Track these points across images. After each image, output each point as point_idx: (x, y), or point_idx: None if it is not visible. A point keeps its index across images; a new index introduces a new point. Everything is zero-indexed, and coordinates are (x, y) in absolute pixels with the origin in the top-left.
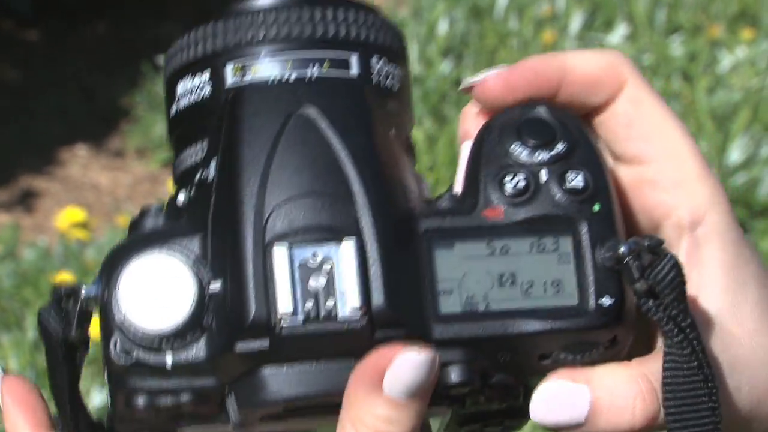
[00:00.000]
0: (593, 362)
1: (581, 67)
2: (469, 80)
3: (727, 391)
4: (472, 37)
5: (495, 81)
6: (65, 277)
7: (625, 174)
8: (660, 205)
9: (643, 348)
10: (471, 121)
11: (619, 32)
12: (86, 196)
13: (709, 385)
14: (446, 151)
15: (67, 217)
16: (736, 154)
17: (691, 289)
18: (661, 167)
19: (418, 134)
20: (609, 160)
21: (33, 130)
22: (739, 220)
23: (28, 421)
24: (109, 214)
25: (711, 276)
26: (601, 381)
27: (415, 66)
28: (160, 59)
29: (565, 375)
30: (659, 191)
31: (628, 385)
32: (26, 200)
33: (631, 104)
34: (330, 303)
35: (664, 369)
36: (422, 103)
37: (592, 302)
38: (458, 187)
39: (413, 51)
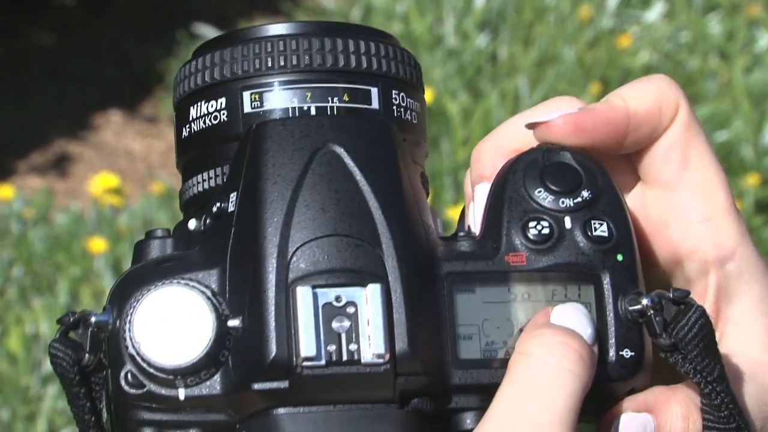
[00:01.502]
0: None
1: (643, 106)
2: (533, 117)
3: (759, 421)
4: (509, 11)
5: (565, 122)
6: (98, 242)
7: (653, 201)
8: (687, 238)
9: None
10: (487, 163)
11: (656, 9)
12: (119, 162)
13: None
14: (481, 126)
15: (101, 182)
16: None
17: (724, 324)
18: (692, 197)
19: (452, 107)
20: (638, 189)
21: (68, 95)
22: None
23: None
24: (142, 181)
25: (745, 308)
26: (662, 408)
27: (451, 39)
28: (195, 27)
29: (629, 407)
30: (687, 224)
31: (682, 409)
32: (60, 165)
33: (680, 128)
34: (353, 347)
35: (702, 413)
36: (458, 76)
37: (612, 354)
38: (473, 227)
39: (449, 24)
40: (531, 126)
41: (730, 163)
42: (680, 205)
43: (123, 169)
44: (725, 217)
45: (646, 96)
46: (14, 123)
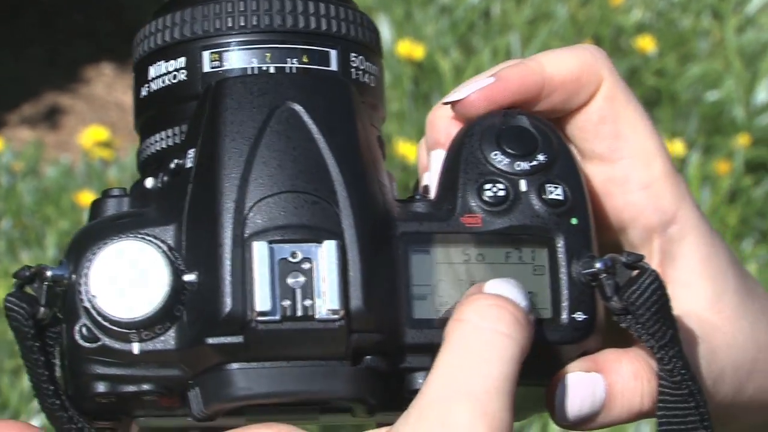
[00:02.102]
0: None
1: (561, 72)
2: (450, 96)
3: (711, 381)
4: None
5: (478, 97)
6: (87, 196)
7: (594, 173)
8: (628, 206)
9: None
10: (441, 129)
11: None
12: (110, 115)
13: (696, 398)
14: None
15: (91, 135)
16: (763, 94)
17: (671, 286)
18: (630, 167)
19: (444, 64)
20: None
21: (59, 47)
22: (765, 160)
23: None
24: (132, 134)
25: (689, 270)
26: (611, 366)
27: None
28: None
29: (577, 367)
30: (627, 193)
31: (634, 368)
32: (50, 117)
33: (605, 102)
34: (308, 303)
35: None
36: (450, 32)
37: (565, 316)
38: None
39: None
40: (449, 104)
41: (721, 122)
42: (619, 176)
43: (114, 123)
44: (664, 182)
45: (565, 64)
46: (5, 75)
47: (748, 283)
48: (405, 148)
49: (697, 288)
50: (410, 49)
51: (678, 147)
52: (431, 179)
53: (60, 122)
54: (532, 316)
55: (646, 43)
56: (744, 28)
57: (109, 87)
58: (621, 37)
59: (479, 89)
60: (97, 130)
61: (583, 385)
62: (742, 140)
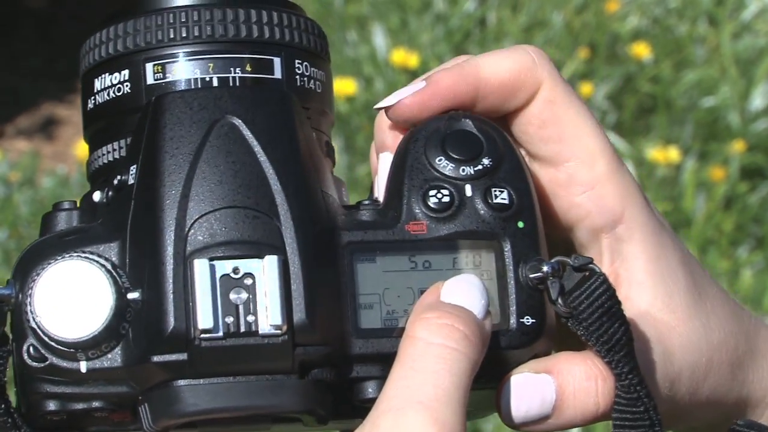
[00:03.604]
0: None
1: (496, 75)
2: (383, 102)
3: (668, 382)
4: None
5: (410, 102)
6: None
7: (540, 174)
8: (574, 207)
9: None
10: (388, 132)
11: None
12: None
13: (645, 402)
14: None
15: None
16: (759, 100)
17: (624, 286)
18: (573, 169)
19: None
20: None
21: (55, 59)
22: (760, 166)
23: None
24: None
25: (639, 269)
26: (561, 367)
27: (439, 3)
28: None
29: (525, 368)
30: (572, 195)
31: (586, 368)
32: (47, 128)
33: (545, 105)
34: (251, 318)
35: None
36: (445, 41)
37: (513, 321)
38: (379, 197)
39: None
40: (381, 109)
41: (716, 129)
42: (563, 178)
43: None
44: (608, 183)
45: (502, 66)
46: (2, 86)
47: (699, 282)
48: None
49: (648, 287)
50: (405, 57)
51: (673, 153)
52: (380, 183)
53: (56, 133)
54: (488, 320)
55: (642, 50)
56: (740, 34)
57: None
58: (617, 44)
59: (411, 94)
60: None
61: (530, 387)
62: (737, 146)
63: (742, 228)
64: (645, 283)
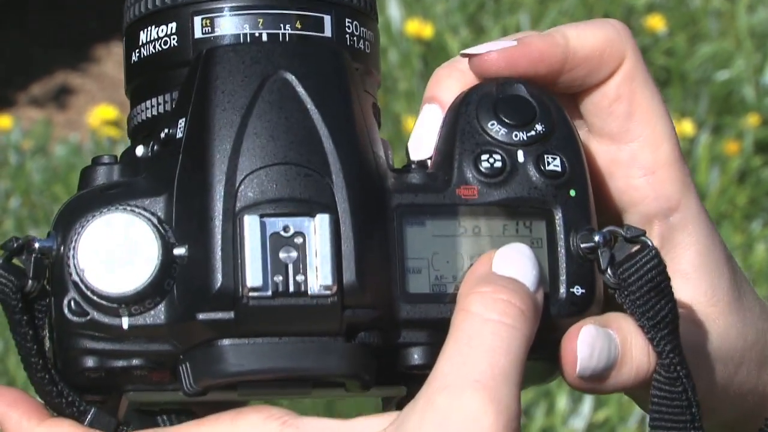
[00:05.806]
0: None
1: (584, 47)
2: (470, 49)
3: (702, 371)
4: None
5: (498, 57)
6: None
7: (599, 151)
8: (630, 190)
9: None
10: (443, 87)
11: None
12: (119, 94)
13: (684, 382)
14: None
15: (100, 114)
16: None
17: (671, 275)
18: (637, 150)
19: (453, 43)
20: (584, 136)
21: (69, 26)
22: None
23: (18, 410)
24: None
25: (690, 260)
26: (621, 323)
27: None
28: None
29: (592, 321)
30: (631, 177)
31: (639, 330)
32: (60, 97)
33: (624, 81)
34: (300, 278)
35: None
36: (459, 11)
37: (563, 290)
38: (415, 155)
39: None
40: (466, 56)
41: (731, 102)
42: (625, 158)
43: (123, 101)
44: (669, 169)
45: (589, 39)
46: (15, 54)
47: (739, 279)
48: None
49: (694, 279)
50: (419, 28)
51: (687, 127)
52: (421, 133)
53: (69, 101)
54: (540, 291)
55: (657, 23)
56: (755, 7)
57: (119, 66)
58: (631, 16)
59: (501, 49)
60: (105, 108)
61: (601, 338)
62: (751, 120)
63: (755, 202)
64: (691, 275)
